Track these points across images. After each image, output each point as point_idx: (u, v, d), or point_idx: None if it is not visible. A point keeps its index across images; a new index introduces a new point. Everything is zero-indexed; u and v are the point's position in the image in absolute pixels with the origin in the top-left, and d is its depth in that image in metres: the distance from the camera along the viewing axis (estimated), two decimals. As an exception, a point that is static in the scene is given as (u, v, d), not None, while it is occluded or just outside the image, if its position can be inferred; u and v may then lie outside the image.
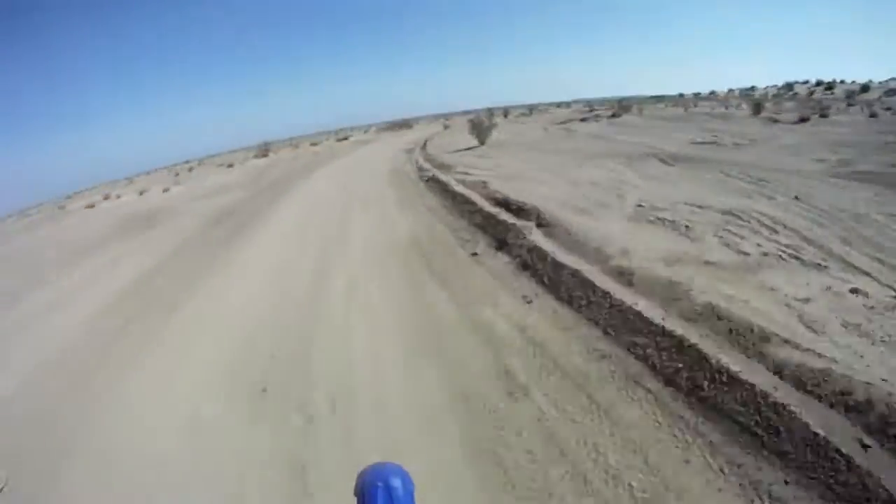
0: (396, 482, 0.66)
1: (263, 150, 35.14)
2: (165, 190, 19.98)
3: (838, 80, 54.90)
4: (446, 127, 34.75)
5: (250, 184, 18.26)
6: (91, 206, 19.37)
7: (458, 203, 8.04)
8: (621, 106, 26.85)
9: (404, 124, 43.46)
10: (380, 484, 0.65)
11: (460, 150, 15.59)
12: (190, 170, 34.62)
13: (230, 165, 29.40)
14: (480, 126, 16.49)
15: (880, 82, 50.54)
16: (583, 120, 25.14)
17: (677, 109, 27.40)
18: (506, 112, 42.30)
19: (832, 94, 39.14)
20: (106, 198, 21.17)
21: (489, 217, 6.73)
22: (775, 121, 16.65)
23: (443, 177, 10.66)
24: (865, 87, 41.08)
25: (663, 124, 18.39)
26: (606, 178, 8.08)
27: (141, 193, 20.70)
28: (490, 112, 39.21)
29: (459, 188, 8.78)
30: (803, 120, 15.55)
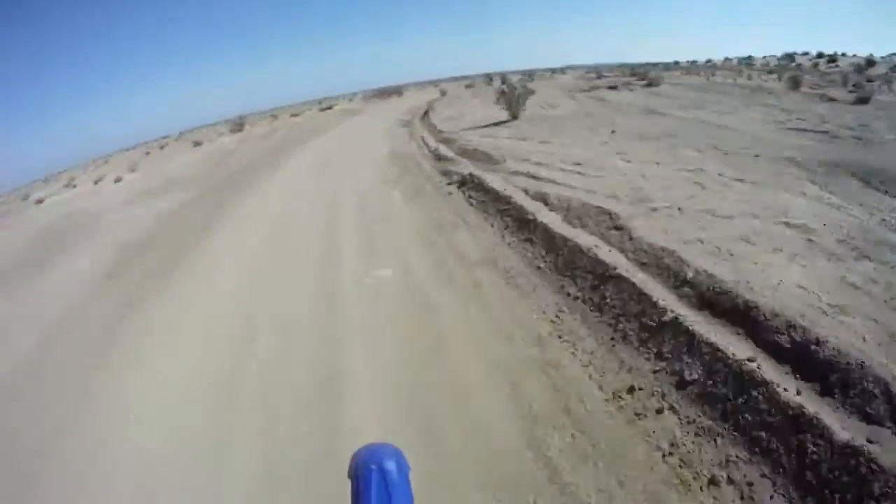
0: (391, 465, 0.62)
1: (238, 125, 30.44)
2: (117, 180, 16.97)
3: (839, 53, 50.48)
4: (443, 93, 29.89)
5: (206, 176, 13.90)
6: (41, 201, 16.53)
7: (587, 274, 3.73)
8: (644, 74, 22.55)
9: (394, 91, 38.32)
10: (374, 467, 0.61)
11: (484, 127, 11.40)
12: (162, 148, 31.13)
13: (198, 144, 25.38)
14: (512, 93, 12.19)
15: (882, 57, 46.44)
16: (611, 88, 20.72)
17: (698, 78, 23.18)
18: (503, 78, 37.25)
19: (837, 66, 35.34)
20: (67, 185, 19.82)
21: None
22: (831, 98, 12.56)
23: (495, 182, 6.39)
24: (871, 62, 37.20)
25: (711, 98, 14.08)
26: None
27: (96, 182, 18.21)
28: (530, 75, 34.17)
29: (568, 232, 4.29)
30: (862, 101, 11.26)
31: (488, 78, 37.48)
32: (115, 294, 5.34)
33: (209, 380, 3.37)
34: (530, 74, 43.43)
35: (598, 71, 38.21)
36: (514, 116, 11.71)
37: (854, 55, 48.45)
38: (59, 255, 7.63)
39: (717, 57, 66.67)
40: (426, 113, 18.23)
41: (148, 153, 28.89)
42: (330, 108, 35.54)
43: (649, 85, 20.23)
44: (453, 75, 76.97)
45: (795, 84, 15.42)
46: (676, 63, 54.20)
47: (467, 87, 33.79)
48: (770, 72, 28.11)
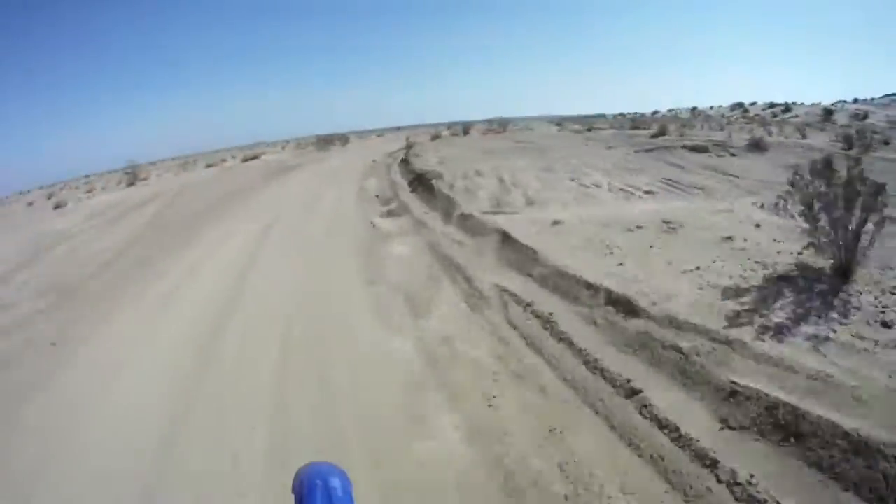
0: (335, 482, 0.63)
1: (131, 176, 21.80)
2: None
3: (790, 102, 51.30)
4: (409, 145, 23.22)
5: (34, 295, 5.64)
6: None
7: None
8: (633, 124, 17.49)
9: (338, 138, 31.02)
10: (318, 482, 0.61)
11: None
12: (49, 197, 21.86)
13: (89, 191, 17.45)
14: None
15: (833, 104, 47.79)
16: (646, 151, 15.11)
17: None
18: (466, 129, 31.02)
19: (797, 117, 33.88)
20: None
21: None
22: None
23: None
24: (829, 111, 35.96)
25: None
26: None
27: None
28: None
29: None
30: None
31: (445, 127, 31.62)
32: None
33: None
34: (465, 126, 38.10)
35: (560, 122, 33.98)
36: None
37: (808, 103, 48.15)
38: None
39: (656, 108, 66.67)
40: (417, 179, 11.25)
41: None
42: (255, 157, 27.40)
43: (694, 150, 14.75)
44: (401, 124, 71.59)
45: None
46: (622, 114, 53.21)
47: (433, 138, 27.40)
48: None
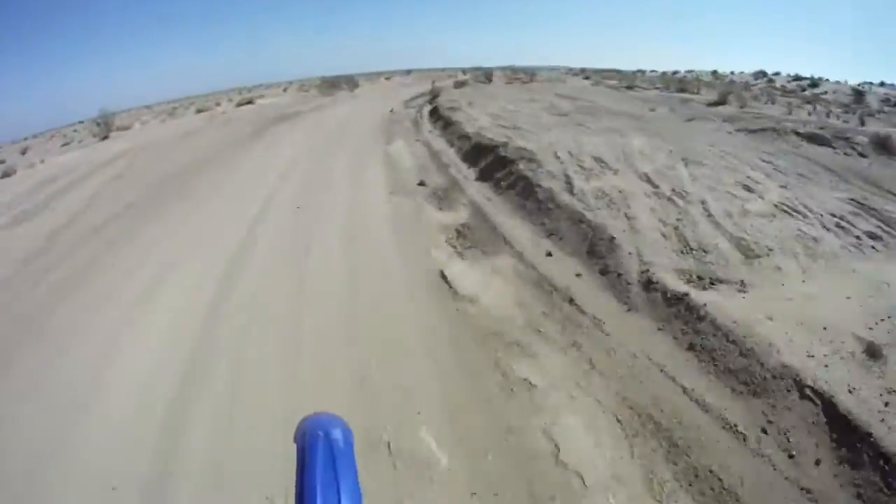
0: (337, 433, 0.61)
1: (103, 128, 17.35)
2: None
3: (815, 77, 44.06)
4: (434, 95, 18.69)
5: None
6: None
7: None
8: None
9: (345, 81, 26.01)
10: (320, 433, 0.60)
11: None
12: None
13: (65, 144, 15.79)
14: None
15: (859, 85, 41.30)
16: (749, 133, 10.70)
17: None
18: (488, 76, 25.86)
19: (826, 93, 27.97)
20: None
21: None
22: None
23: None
24: (859, 92, 29.61)
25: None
26: None
27: None
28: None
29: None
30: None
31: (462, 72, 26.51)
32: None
33: None
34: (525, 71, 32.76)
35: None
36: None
37: (837, 81, 43.02)
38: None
39: (681, 68, 60.07)
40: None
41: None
42: (250, 102, 22.76)
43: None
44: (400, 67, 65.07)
45: None
46: (641, 72, 47.35)
47: (454, 80, 22.62)
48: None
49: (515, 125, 8.76)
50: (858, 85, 38.79)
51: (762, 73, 49.59)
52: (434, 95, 16.16)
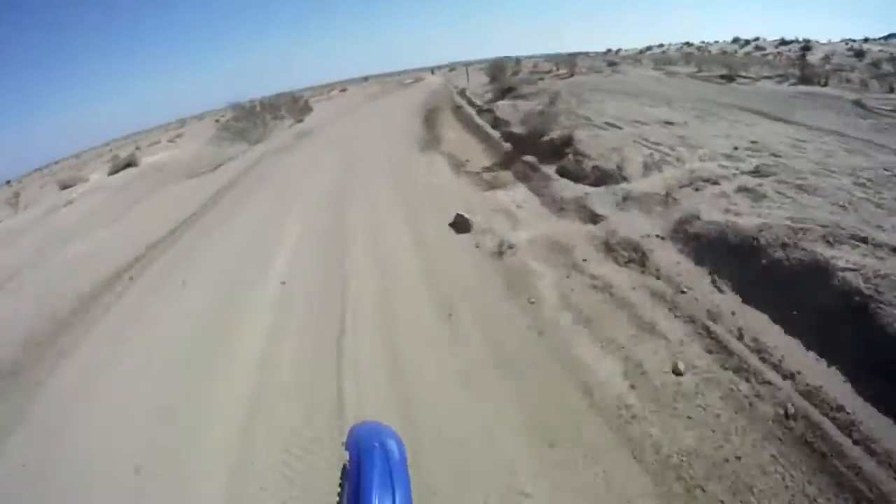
0: (392, 444, 0.61)
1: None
2: None
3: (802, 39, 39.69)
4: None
5: None
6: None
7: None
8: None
9: (291, 105, 17.12)
10: (376, 444, 0.60)
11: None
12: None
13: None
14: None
15: (864, 40, 37.16)
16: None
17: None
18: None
19: (826, 58, 23.02)
20: None
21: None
22: None
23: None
24: (860, 53, 24.93)
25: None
26: None
27: None
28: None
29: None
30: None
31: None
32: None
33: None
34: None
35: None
36: None
37: (827, 41, 39.09)
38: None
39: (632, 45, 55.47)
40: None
41: None
42: (130, 164, 13.59)
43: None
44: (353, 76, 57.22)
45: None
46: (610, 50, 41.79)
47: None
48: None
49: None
50: (847, 45, 34.61)
51: (745, 41, 44.65)
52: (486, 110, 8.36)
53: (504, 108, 9.59)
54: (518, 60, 22.07)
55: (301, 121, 14.95)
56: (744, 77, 13.03)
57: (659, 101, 8.72)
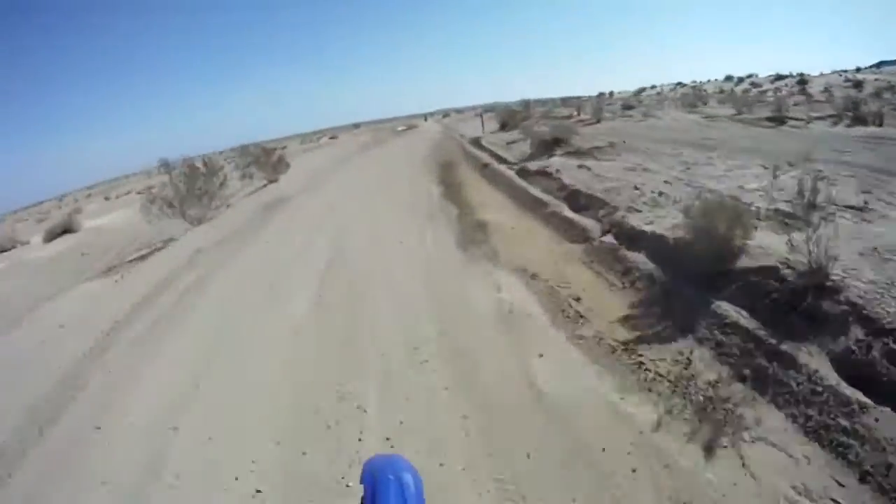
0: (408, 478, 0.58)
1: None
2: None
3: (796, 73, 40.19)
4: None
5: None
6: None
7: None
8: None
9: (263, 158, 13.87)
10: (391, 477, 0.57)
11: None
12: None
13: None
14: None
15: (856, 70, 37.34)
16: None
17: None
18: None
19: (825, 92, 22.19)
20: None
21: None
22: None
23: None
24: (858, 84, 24.31)
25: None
26: None
27: None
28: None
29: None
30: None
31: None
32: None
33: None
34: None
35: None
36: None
37: (819, 73, 39.63)
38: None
39: (624, 88, 56.63)
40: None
41: None
42: (67, 230, 10.25)
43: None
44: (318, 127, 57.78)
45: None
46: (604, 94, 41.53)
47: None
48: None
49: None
50: (842, 76, 34.06)
51: (739, 78, 46.00)
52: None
53: (570, 170, 6.48)
54: (527, 104, 19.51)
55: (275, 180, 11.70)
56: (792, 119, 10.62)
57: (737, 154, 6.48)
